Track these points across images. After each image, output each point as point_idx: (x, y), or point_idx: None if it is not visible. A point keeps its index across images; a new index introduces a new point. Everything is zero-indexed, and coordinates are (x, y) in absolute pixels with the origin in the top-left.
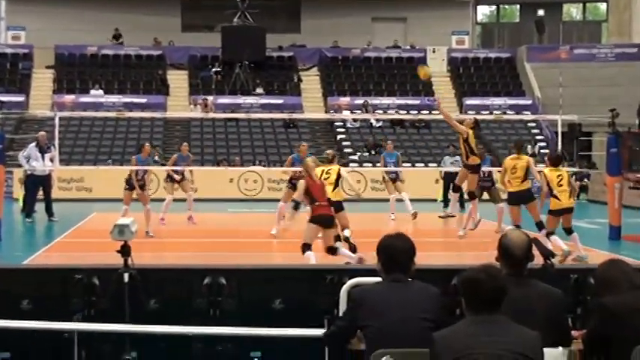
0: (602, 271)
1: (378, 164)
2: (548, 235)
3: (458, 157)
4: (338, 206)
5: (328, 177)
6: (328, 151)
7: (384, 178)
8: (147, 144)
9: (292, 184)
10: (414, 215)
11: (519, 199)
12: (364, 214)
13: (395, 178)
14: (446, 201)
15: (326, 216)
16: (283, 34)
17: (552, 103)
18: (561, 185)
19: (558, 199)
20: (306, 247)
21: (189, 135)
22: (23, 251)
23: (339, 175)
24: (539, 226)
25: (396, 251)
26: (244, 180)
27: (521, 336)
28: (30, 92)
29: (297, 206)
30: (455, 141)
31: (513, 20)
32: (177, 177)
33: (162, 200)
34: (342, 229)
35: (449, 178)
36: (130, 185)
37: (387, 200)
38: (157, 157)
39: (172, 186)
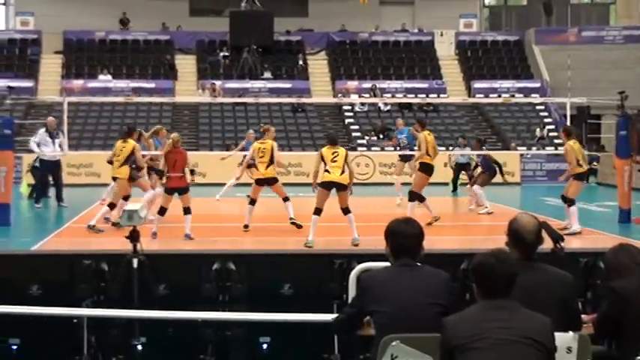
0: (611, 256)
1: (387, 148)
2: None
3: (468, 149)
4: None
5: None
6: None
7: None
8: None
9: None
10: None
11: None
12: (372, 197)
13: (408, 158)
14: (455, 188)
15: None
16: (291, 18)
17: (561, 86)
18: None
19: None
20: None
21: (197, 120)
22: (32, 237)
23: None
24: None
25: (403, 236)
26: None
27: (532, 321)
28: (39, 78)
29: (158, 172)
30: (462, 125)
31: (521, 3)
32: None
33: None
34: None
35: (459, 168)
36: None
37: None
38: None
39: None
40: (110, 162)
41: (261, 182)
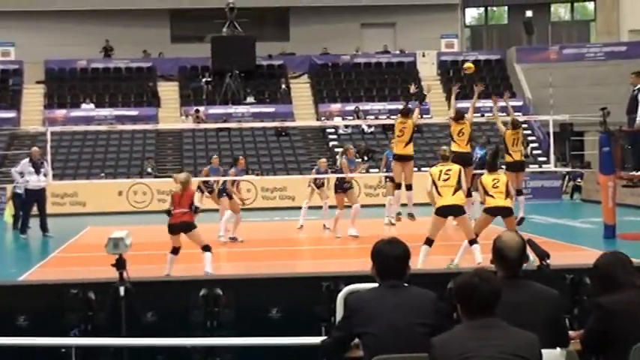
0: (603, 263)
1: (372, 170)
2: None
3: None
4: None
5: (447, 178)
6: (444, 148)
7: (386, 178)
8: (241, 158)
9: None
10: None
11: None
12: (361, 220)
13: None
14: None
15: (179, 223)
16: (272, 43)
17: (543, 104)
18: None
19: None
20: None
21: (181, 146)
22: (18, 267)
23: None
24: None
25: (388, 257)
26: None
27: (518, 338)
28: (21, 108)
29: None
30: (447, 145)
31: (502, 22)
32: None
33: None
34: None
35: None
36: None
37: (383, 205)
38: (149, 170)
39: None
40: None
41: None
